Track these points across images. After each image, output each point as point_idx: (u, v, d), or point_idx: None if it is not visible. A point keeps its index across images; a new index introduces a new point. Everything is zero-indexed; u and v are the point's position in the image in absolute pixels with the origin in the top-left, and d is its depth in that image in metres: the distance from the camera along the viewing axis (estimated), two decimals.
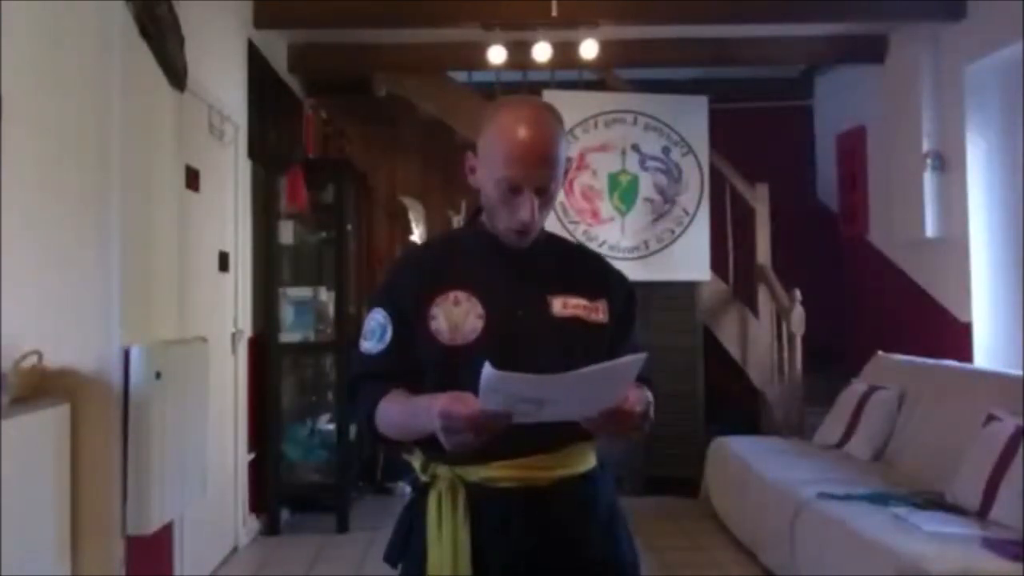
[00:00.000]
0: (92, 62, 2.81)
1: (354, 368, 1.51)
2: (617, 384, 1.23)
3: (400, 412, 1.39)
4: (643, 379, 1.46)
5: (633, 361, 1.19)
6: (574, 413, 1.25)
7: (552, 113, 1.42)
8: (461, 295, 1.41)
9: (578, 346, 1.39)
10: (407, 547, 1.45)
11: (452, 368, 1.36)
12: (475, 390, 1.17)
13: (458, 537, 1.35)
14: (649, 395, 1.38)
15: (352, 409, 1.54)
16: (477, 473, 1.37)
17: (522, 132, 1.36)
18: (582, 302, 1.44)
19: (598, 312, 1.45)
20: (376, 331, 1.45)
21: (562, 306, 1.43)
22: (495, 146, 1.38)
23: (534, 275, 1.45)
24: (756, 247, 5.45)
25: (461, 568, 1.34)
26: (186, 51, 3.35)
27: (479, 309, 1.40)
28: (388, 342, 1.44)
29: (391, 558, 1.49)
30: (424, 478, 1.43)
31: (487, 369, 1.14)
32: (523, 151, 1.35)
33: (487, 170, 1.40)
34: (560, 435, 1.35)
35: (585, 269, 1.52)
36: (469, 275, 1.43)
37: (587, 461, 1.45)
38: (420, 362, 1.42)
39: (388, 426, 1.42)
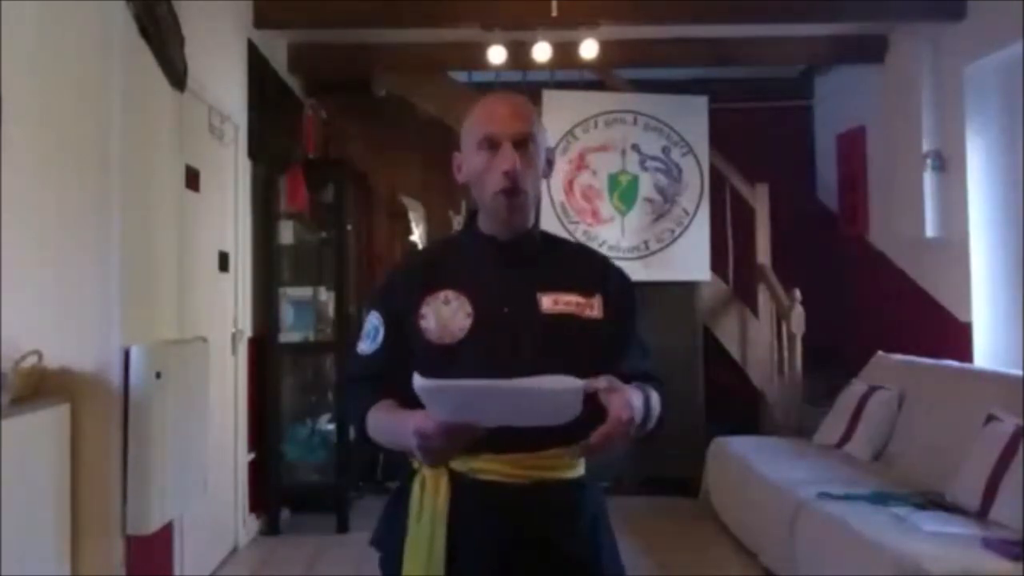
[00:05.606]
0: (92, 62, 2.81)
1: (348, 369, 1.56)
2: (562, 400, 1.20)
3: (385, 428, 1.44)
4: (652, 377, 1.47)
5: (566, 389, 1.18)
6: (525, 421, 1.24)
7: (526, 99, 1.50)
8: (451, 294, 1.43)
9: (567, 343, 1.41)
10: (391, 531, 1.48)
11: (441, 366, 1.36)
12: None
13: (436, 521, 1.38)
14: (651, 398, 1.39)
15: (346, 409, 1.61)
16: (463, 463, 1.38)
17: (495, 100, 1.46)
18: (575, 299, 1.44)
19: (592, 308, 1.45)
20: (370, 333, 1.50)
21: (552, 303, 1.43)
22: (473, 120, 1.45)
23: (526, 273, 1.46)
24: (756, 247, 5.45)
25: (436, 550, 1.37)
26: (186, 51, 3.35)
27: (468, 308, 1.42)
28: (380, 344, 1.48)
29: (376, 542, 1.53)
30: (414, 465, 1.45)
31: (416, 379, 1.17)
32: (497, 111, 1.43)
33: (469, 147, 1.45)
34: (545, 438, 1.33)
35: (581, 266, 1.52)
36: (460, 275, 1.46)
37: (571, 469, 1.44)
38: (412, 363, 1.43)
39: (377, 437, 1.47)
